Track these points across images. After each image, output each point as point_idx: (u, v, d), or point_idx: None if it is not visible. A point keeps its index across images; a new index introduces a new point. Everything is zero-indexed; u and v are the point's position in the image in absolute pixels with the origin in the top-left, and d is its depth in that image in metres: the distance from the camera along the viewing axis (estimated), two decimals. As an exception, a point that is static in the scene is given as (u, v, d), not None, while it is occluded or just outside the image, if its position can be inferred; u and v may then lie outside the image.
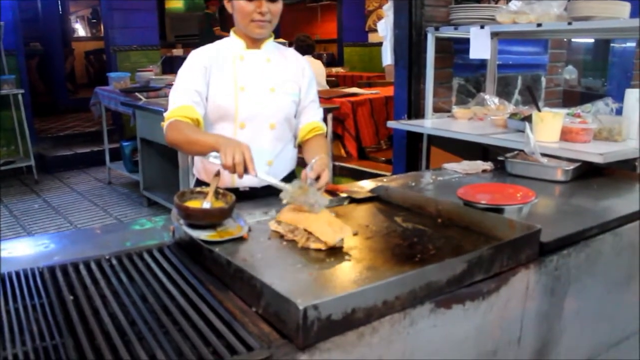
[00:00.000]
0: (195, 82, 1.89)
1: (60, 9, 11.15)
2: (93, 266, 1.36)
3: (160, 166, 5.14)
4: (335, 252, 1.38)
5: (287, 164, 2.07)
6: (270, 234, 1.51)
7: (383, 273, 1.25)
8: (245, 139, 1.84)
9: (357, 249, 1.41)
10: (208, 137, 1.75)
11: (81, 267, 1.35)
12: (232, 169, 1.59)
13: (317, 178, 1.67)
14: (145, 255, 1.42)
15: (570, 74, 5.08)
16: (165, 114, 1.89)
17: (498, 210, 1.59)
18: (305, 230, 1.42)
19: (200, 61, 1.93)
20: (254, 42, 1.97)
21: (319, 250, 1.38)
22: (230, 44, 1.98)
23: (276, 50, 2.04)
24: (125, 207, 5.30)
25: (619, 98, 2.61)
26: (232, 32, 2.01)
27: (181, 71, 1.95)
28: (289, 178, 2.05)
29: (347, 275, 1.27)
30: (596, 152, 2.17)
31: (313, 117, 2.07)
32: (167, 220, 1.69)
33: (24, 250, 1.53)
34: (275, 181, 1.64)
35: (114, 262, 1.39)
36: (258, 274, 1.12)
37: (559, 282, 1.48)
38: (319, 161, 1.71)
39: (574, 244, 1.52)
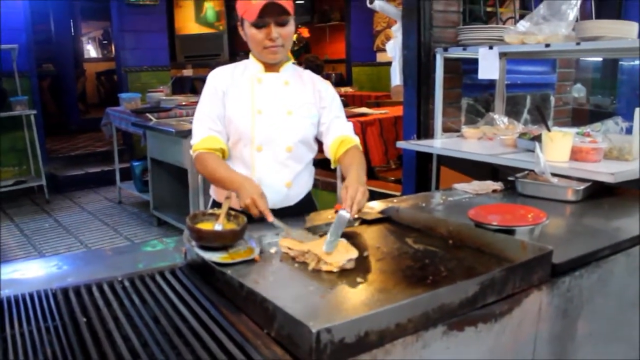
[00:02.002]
0: (216, 108, 1.95)
1: (72, 31, 11.30)
2: (106, 288, 1.36)
3: (170, 186, 5.17)
4: (347, 274, 1.38)
5: (305, 185, 2.08)
6: (282, 256, 1.51)
7: (395, 295, 1.24)
8: (262, 161, 1.93)
9: (368, 270, 1.41)
10: (228, 176, 1.82)
11: (94, 288, 1.36)
12: (248, 210, 1.67)
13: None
14: (158, 277, 1.43)
15: (578, 92, 5.08)
16: (192, 144, 1.96)
17: (509, 231, 1.58)
18: (315, 254, 1.43)
19: (218, 84, 1.96)
20: (272, 66, 1.98)
21: (330, 272, 1.38)
22: (250, 67, 2.01)
23: (294, 73, 2.05)
24: (135, 226, 5.32)
25: (629, 116, 2.61)
26: (250, 55, 2.01)
27: (203, 94, 1.99)
28: (306, 200, 2.08)
29: (359, 297, 1.27)
30: (607, 171, 2.16)
31: (340, 132, 2.02)
32: (178, 242, 1.70)
33: (37, 271, 1.54)
34: (283, 225, 1.66)
35: (127, 283, 1.39)
36: (271, 296, 1.12)
37: (571, 303, 1.48)
38: (350, 189, 1.65)
39: (586, 265, 1.52)
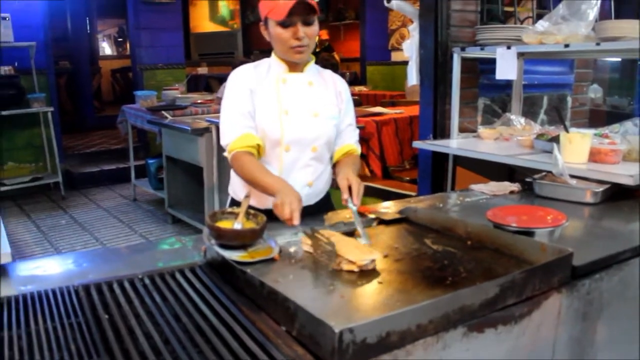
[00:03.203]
0: (246, 105, 1.92)
1: (88, 28, 11.40)
2: (127, 285, 1.38)
3: (185, 184, 5.20)
4: (366, 275, 1.38)
5: (325, 185, 2.11)
6: (303, 254, 1.52)
7: (415, 296, 1.25)
8: (288, 161, 1.95)
9: (387, 271, 1.42)
10: (268, 180, 1.81)
11: (115, 286, 1.37)
12: (282, 216, 1.67)
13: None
14: (178, 275, 1.44)
15: (595, 92, 5.04)
16: (225, 144, 1.93)
17: (529, 233, 1.58)
18: (338, 253, 1.43)
19: (246, 82, 1.95)
20: (296, 66, 1.99)
21: (350, 272, 1.39)
22: (272, 66, 2.00)
23: (317, 73, 2.06)
24: (150, 224, 5.36)
25: (645, 116, 2.59)
26: (273, 55, 2.01)
27: (228, 95, 1.96)
28: (325, 199, 2.11)
29: (378, 298, 1.27)
30: (626, 173, 2.14)
31: (349, 140, 2.10)
32: (197, 241, 1.71)
33: (58, 268, 1.56)
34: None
35: (147, 281, 1.41)
36: (292, 295, 1.13)
37: (591, 306, 1.47)
38: (340, 174, 1.86)
39: (606, 267, 1.51)
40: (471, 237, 1.62)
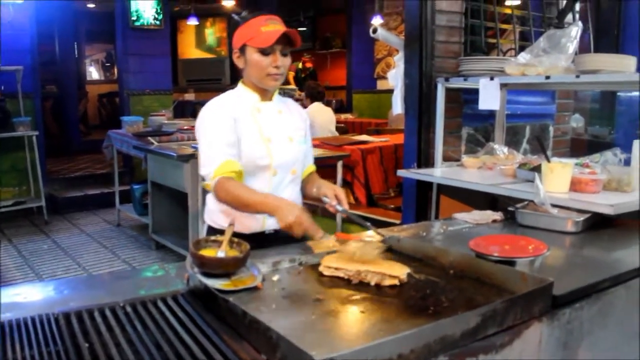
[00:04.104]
0: (228, 135, 1.94)
1: (76, 53, 11.42)
2: (108, 313, 1.37)
3: (169, 210, 5.18)
4: (350, 304, 1.39)
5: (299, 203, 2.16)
6: (320, 278, 1.54)
7: (397, 326, 1.25)
8: (275, 184, 2.02)
9: (370, 300, 1.42)
10: (261, 200, 1.84)
11: (96, 313, 1.36)
12: (291, 230, 1.74)
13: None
14: (160, 303, 1.43)
15: (577, 122, 5.12)
16: (207, 172, 1.92)
17: (510, 262, 1.59)
18: (374, 271, 1.50)
19: (227, 113, 1.97)
20: (266, 95, 2.06)
21: (332, 301, 1.39)
22: (245, 96, 2.05)
23: (282, 102, 2.15)
24: (134, 249, 5.31)
25: (627, 147, 2.63)
26: (241, 85, 2.06)
27: (209, 125, 1.96)
28: None
29: (361, 327, 1.27)
30: (606, 203, 2.17)
31: (310, 161, 2.25)
32: (180, 268, 1.70)
33: (38, 295, 1.54)
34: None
35: (129, 309, 1.40)
36: (274, 324, 1.13)
37: (571, 335, 1.48)
38: (322, 187, 2.05)
39: (587, 296, 1.52)
40: (454, 266, 1.63)
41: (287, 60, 1.97)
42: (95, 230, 6.02)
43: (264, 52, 1.91)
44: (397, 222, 3.65)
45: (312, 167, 2.25)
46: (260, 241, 1.93)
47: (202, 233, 4.14)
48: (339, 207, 1.96)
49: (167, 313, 1.37)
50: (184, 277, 1.57)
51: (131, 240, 5.66)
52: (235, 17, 2.02)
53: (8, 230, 5.98)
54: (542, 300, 1.38)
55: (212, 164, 1.91)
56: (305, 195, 2.17)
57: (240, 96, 2.05)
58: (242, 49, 1.97)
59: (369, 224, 1.90)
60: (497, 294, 1.44)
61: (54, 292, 1.54)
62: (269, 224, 2.00)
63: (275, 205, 1.79)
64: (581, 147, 4.82)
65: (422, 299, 1.42)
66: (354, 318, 1.32)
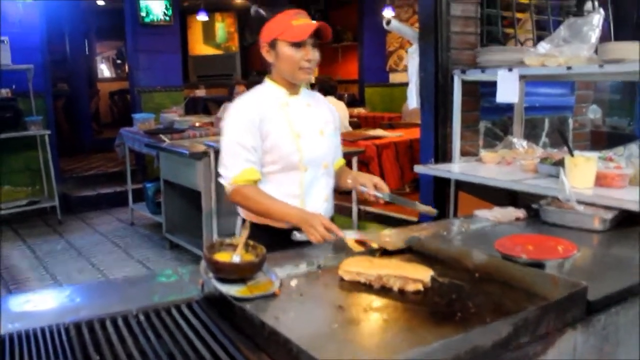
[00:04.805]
0: (250, 139, 1.94)
1: (87, 50, 11.42)
2: (120, 322, 1.32)
3: (183, 208, 5.13)
4: (371, 311, 1.32)
5: (332, 198, 2.20)
6: (341, 284, 1.50)
7: (422, 336, 1.18)
8: (307, 180, 2.02)
9: (393, 307, 1.36)
10: (281, 210, 1.92)
11: (108, 323, 1.31)
12: (322, 241, 1.78)
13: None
14: (174, 311, 1.38)
15: (594, 113, 5.00)
16: (226, 175, 1.97)
17: (539, 264, 1.52)
18: (396, 276, 1.44)
19: (251, 114, 1.96)
20: (294, 89, 2.06)
21: (354, 308, 1.33)
22: (272, 92, 2.04)
23: (310, 95, 2.16)
24: (147, 249, 5.28)
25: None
26: (268, 80, 2.06)
27: (233, 127, 1.97)
28: (333, 216, 2.20)
29: (384, 337, 1.21)
30: (635, 199, 2.09)
31: (339, 155, 2.25)
32: (194, 273, 1.64)
33: (49, 303, 1.50)
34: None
35: (142, 317, 1.35)
36: (293, 335, 1.07)
37: (607, 342, 1.40)
38: (359, 177, 2.10)
39: (622, 301, 1.44)
40: (479, 269, 1.56)
41: (318, 54, 1.97)
42: (108, 230, 6.00)
43: (296, 45, 1.92)
44: (414, 219, 3.58)
45: (342, 161, 2.26)
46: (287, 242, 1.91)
47: (214, 233, 4.11)
48: (378, 194, 1.98)
49: (181, 321, 1.32)
50: (198, 282, 1.51)
51: (145, 239, 5.62)
52: (260, 11, 2.01)
53: (22, 230, 5.98)
54: (576, 307, 1.31)
55: (231, 169, 1.95)
56: (338, 187, 2.20)
57: (267, 92, 2.04)
58: (272, 44, 1.96)
59: (417, 202, 2.04)
60: (526, 299, 1.38)
61: (66, 299, 1.49)
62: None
63: (299, 217, 1.85)
64: (600, 140, 4.71)
65: (447, 305, 1.35)
66: (377, 327, 1.25)
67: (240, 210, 2.12)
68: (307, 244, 1.85)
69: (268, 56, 2.00)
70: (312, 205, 2.01)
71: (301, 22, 1.92)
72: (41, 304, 1.48)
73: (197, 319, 1.33)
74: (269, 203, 1.93)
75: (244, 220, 2.10)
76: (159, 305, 1.40)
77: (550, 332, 1.25)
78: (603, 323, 1.38)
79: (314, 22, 1.93)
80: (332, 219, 2.13)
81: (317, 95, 2.22)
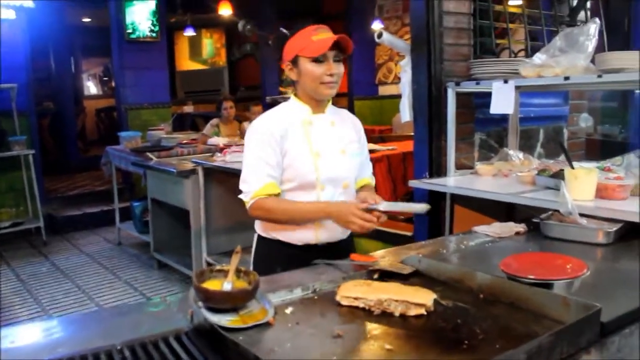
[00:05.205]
0: (272, 155, 1.94)
1: (73, 68, 11.30)
2: (103, 359, 1.22)
3: (171, 227, 5.03)
4: (373, 339, 1.24)
5: None
6: (340, 309, 1.42)
7: (430, 367, 1.10)
8: (324, 199, 2.00)
9: (395, 333, 1.28)
10: (314, 208, 1.94)
11: (89, 360, 1.21)
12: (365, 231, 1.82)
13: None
14: (161, 345, 1.29)
15: (586, 122, 4.98)
16: (245, 191, 1.97)
17: (546, 284, 1.44)
18: (397, 300, 1.37)
19: (273, 131, 1.95)
20: (319, 107, 2.03)
21: (353, 336, 1.24)
22: (296, 110, 2.02)
23: (336, 113, 2.12)
24: (135, 269, 5.16)
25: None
26: (293, 98, 2.04)
27: (255, 143, 1.97)
28: (351, 236, 2.17)
29: (389, 369, 1.13)
30: (638, 210, 2.02)
31: (366, 173, 2.20)
32: (182, 301, 1.55)
33: (27, 338, 1.39)
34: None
35: (127, 353, 1.25)
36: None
37: (622, 366, 1.32)
38: (361, 193, 2.01)
39: (635, 321, 1.37)
40: (483, 290, 1.48)
41: (341, 67, 1.94)
42: (95, 250, 5.87)
43: (317, 60, 1.89)
44: (409, 233, 3.50)
45: (366, 180, 2.20)
46: (312, 253, 1.89)
47: (203, 252, 4.00)
48: (376, 206, 1.86)
49: (170, 356, 1.23)
50: (187, 312, 1.42)
51: (132, 259, 5.50)
52: (284, 30, 2.01)
53: (6, 252, 5.84)
54: (590, 329, 1.23)
55: (253, 184, 1.94)
56: None
57: (291, 109, 2.03)
58: (295, 61, 1.95)
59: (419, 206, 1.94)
60: (535, 322, 1.30)
61: (44, 334, 1.39)
62: (323, 237, 2.01)
63: (331, 211, 1.88)
64: (593, 148, 4.68)
65: (453, 331, 1.27)
66: (379, 358, 1.16)
67: (257, 225, 2.11)
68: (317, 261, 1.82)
69: (291, 74, 1.99)
70: (329, 224, 1.96)
71: (321, 37, 1.89)
72: (18, 339, 1.37)
73: (186, 353, 1.24)
74: (295, 207, 1.94)
75: (258, 236, 2.11)
76: (145, 339, 1.31)
77: (563, 358, 1.17)
78: (617, 345, 1.30)
79: (334, 35, 1.89)
80: (352, 240, 2.18)
81: (343, 112, 2.18)
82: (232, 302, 1.39)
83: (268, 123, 1.98)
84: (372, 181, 2.23)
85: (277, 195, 1.96)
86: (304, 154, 1.96)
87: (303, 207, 1.94)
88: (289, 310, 1.41)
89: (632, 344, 1.35)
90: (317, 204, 1.95)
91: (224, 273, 1.48)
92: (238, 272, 1.48)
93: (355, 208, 1.82)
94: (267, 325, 1.32)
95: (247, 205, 1.97)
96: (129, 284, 4.75)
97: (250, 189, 1.94)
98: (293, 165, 1.96)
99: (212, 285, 1.43)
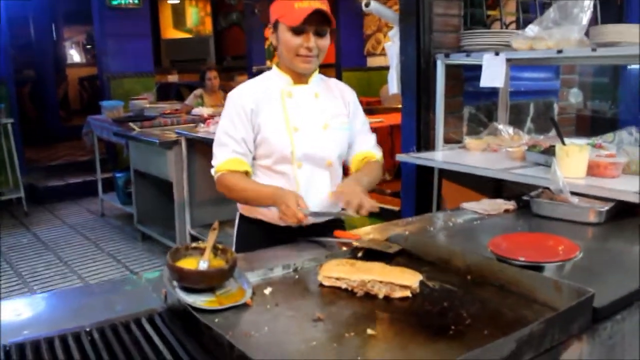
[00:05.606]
0: (241, 130, 1.82)
1: (54, 35, 11.01)
2: (71, 342, 1.15)
3: (154, 199, 4.93)
4: (355, 324, 1.18)
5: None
6: (323, 290, 1.38)
7: (413, 353, 1.05)
8: (304, 178, 1.84)
9: (378, 318, 1.22)
10: (259, 191, 1.79)
11: (56, 343, 1.15)
12: (295, 220, 1.65)
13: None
14: (133, 326, 1.22)
15: (575, 97, 4.92)
16: (213, 165, 1.87)
17: (537, 267, 1.39)
18: (382, 281, 1.31)
19: (245, 104, 1.82)
20: (301, 77, 1.87)
21: (334, 321, 1.18)
22: (275, 80, 1.88)
23: (322, 83, 1.95)
24: (118, 241, 5.07)
25: (631, 121, 2.43)
26: (274, 67, 1.90)
27: (224, 116, 1.87)
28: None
29: (370, 355, 1.07)
30: (630, 189, 1.97)
31: (365, 145, 2.01)
32: (157, 280, 1.48)
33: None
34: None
35: (96, 335, 1.19)
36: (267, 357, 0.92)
37: (613, 351, 1.28)
38: (343, 190, 1.78)
39: (628, 306, 1.32)
40: (471, 271, 1.43)
41: (324, 42, 1.78)
42: (78, 222, 5.77)
43: (296, 31, 1.73)
44: (396, 208, 3.45)
45: (364, 154, 1.99)
46: (297, 233, 1.80)
47: (187, 224, 3.93)
48: (306, 212, 1.69)
49: (141, 339, 1.17)
50: (161, 292, 1.35)
51: (116, 231, 5.41)
52: None
53: (-14, 223, 5.72)
54: (582, 316, 1.18)
55: (218, 157, 1.84)
56: None
57: (270, 79, 1.89)
58: (275, 26, 1.80)
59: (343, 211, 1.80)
60: (525, 306, 1.26)
61: (9, 315, 1.31)
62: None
63: (274, 196, 1.72)
64: (583, 124, 4.62)
65: (439, 315, 1.22)
66: (361, 344, 1.11)
67: (238, 203, 2.00)
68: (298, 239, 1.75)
69: (272, 39, 1.84)
70: (312, 201, 1.80)
71: (304, 5, 1.70)
72: (-18, 320, 1.30)
73: (159, 336, 1.18)
74: (249, 188, 1.81)
75: (240, 215, 2.00)
76: (116, 320, 1.24)
77: (554, 345, 1.12)
78: (609, 331, 1.26)
79: (320, 5, 1.71)
80: (343, 222, 2.01)
81: (332, 82, 2.01)
82: (207, 282, 1.32)
83: (240, 95, 1.85)
84: (376, 153, 2.02)
85: (244, 172, 1.84)
86: (279, 129, 1.81)
87: (255, 190, 1.81)
88: (268, 291, 1.35)
89: (623, 330, 1.30)
90: (268, 188, 1.79)
91: (200, 251, 1.41)
92: (215, 249, 1.42)
93: (294, 201, 1.66)
94: (244, 306, 1.26)
95: (215, 182, 1.88)
96: (112, 256, 4.67)
97: (215, 162, 1.85)
98: (268, 141, 1.82)
99: (187, 264, 1.36)
